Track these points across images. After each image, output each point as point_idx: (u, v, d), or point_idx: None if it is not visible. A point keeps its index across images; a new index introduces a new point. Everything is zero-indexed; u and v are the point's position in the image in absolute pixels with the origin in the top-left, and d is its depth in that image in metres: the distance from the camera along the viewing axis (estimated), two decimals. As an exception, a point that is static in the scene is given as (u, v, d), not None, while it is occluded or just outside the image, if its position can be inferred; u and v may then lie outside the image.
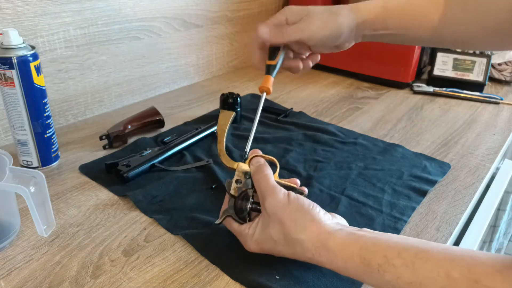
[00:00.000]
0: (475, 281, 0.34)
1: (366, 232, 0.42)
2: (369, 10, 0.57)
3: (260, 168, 0.49)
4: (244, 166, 0.51)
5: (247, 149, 0.53)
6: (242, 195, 0.50)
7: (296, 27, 0.57)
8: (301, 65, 0.62)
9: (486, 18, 0.54)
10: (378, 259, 0.39)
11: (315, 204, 0.45)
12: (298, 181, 0.52)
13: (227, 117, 0.57)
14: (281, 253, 0.46)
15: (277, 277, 0.47)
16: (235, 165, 0.52)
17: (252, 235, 0.47)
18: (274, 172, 0.51)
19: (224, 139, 0.55)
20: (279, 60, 0.59)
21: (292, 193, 0.46)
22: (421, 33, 0.57)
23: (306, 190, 0.51)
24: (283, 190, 0.46)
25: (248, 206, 0.49)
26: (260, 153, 0.53)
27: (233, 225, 0.50)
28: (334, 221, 0.45)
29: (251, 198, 0.49)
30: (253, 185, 0.49)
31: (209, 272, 0.48)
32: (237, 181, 0.50)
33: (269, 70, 0.59)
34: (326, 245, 0.42)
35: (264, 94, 0.57)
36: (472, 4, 0.54)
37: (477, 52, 1.15)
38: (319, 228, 0.43)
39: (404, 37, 0.59)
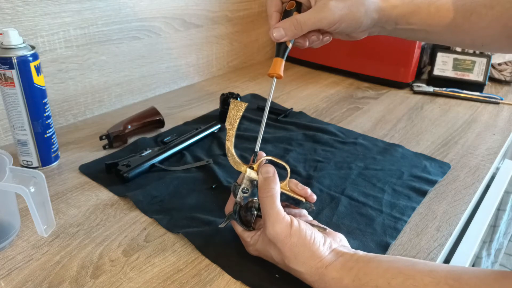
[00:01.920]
0: None
1: (358, 261, 0.43)
2: (396, 1, 0.54)
3: (267, 185, 0.47)
4: (252, 174, 0.49)
5: (257, 148, 0.50)
6: (248, 206, 0.49)
7: (313, 16, 0.51)
8: (307, 42, 0.57)
9: (506, 23, 0.53)
10: None
11: (316, 236, 0.45)
12: (309, 191, 0.50)
13: (238, 109, 0.50)
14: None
15: (277, 275, 0.47)
16: (242, 168, 0.49)
17: (254, 245, 0.48)
18: (284, 177, 0.50)
19: (234, 136, 0.50)
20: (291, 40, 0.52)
21: (294, 223, 0.45)
22: (442, 31, 0.55)
23: (314, 198, 0.50)
24: (286, 219, 0.45)
25: (253, 219, 0.49)
26: (264, 155, 0.51)
27: (238, 228, 0.50)
28: (332, 247, 0.45)
29: (256, 211, 0.49)
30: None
31: (209, 272, 0.48)
32: (243, 190, 0.49)
33: (279, 51, 0.52)
34: (323, 279, 0.43)
35: (275, 79, 0.52)
36: (497, 8, 0.52)
37: (477, 52, 1.15)
38: (317, 263, 0.44)
39: (424, 34, 0.57)
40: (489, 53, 1.15)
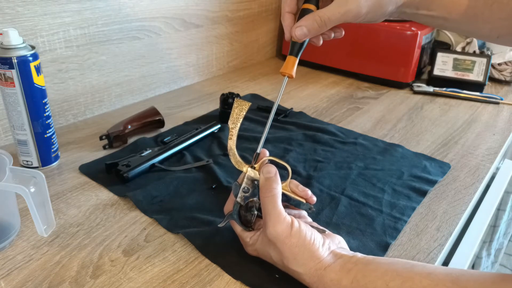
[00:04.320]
0: None
1: (357, 263, 0.43)
2: None
3: (269, 185, 0.47)
4: (253, 174, 0.49)
5: (259, 149, 0.50)
6: (248, 206, 0.49)
7: (337, 11, 0.49)
8: (321, 40, 0.55)
9: None
10: None
11: (316, 236, 0.45)
12: (309, 192, 0.50)
13: (242, 108, 0.50)
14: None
15: (277, 275, 0.47)
16: (244, 168, 0.49)
17: (253, 245, 0.48)
18: (285, 178, 0.50)
19: (236, 135, 0.49)
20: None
21: (295, 224, 0.45)
22: (460, 19, 0.54)
23: (314, 200, 0.50)
24: (287, 219, 0.45)
25: (253, 219, 0.49)
26: (267, 154, 0.51)
27: (237, 228, 0.50)
28: (331, 249, 0.45)
29: (256, 211, 0.49)
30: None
31: (209, 272, 0.48)
32: (244, 189, 0.49)
33: (293, 49, 0.50)
34: (321, 280, 0.43)
35: (286, 79, 0.50)
36: None
37: (477, 52, 1.15)
38: (316, 265, 0.44)
39: (442, 21, 0.55)
40: (489, 53, 1.15)
